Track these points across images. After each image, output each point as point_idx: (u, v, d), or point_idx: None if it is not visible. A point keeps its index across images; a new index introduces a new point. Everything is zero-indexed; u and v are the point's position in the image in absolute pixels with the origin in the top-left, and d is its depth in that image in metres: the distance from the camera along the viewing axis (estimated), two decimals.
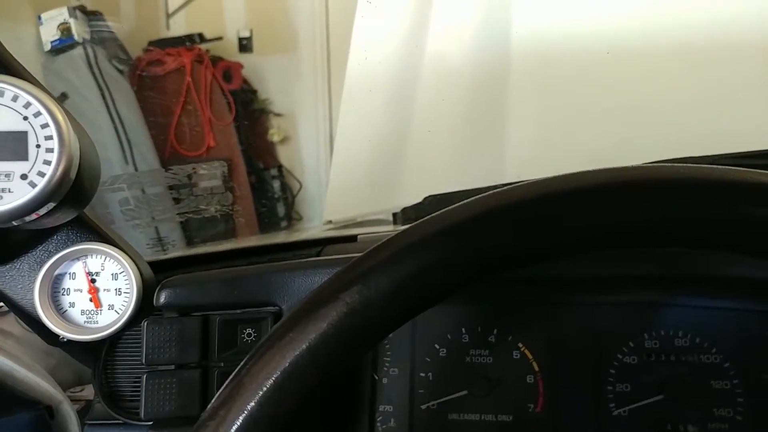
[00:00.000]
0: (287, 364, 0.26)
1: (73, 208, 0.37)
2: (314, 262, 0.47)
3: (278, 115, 3.13)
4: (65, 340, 0.50)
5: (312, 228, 2.99)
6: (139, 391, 0.60)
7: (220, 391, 0.27)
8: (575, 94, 1.21)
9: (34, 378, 0.63)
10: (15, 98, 0.33)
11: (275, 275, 0.45)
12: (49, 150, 0.33)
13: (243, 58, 2.97)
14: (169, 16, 3.05)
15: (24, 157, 0.33)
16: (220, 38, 2.85)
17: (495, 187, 0.80)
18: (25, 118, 0.33)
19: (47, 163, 0.33)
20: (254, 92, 3.04)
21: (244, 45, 3.06)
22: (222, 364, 0.45)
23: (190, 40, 2.64)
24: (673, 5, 1.16)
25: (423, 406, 0.54)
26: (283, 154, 3.20)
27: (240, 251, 0.70)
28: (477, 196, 0.27)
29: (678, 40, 1.13)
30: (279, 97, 3.14)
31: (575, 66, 1.20)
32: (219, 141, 2.70)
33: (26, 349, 0.68)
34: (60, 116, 0.33)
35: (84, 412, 0.70)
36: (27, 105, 0.33)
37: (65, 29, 2.18)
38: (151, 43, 2.67)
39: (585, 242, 0.25)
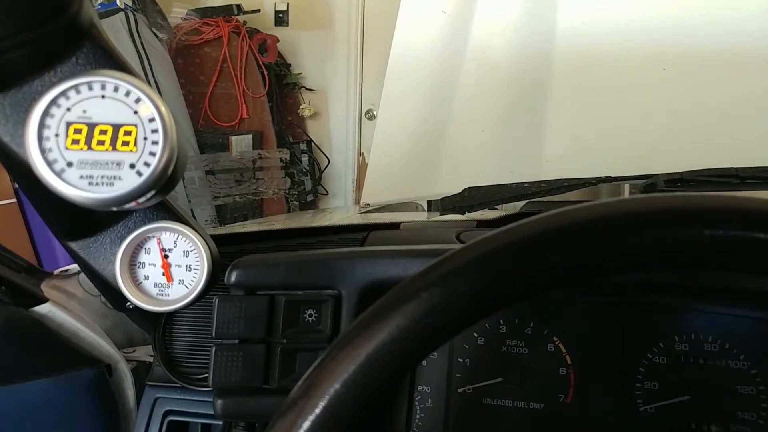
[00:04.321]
0: (372, 351, 0.29)
1: (163, 194, 0.41)
2: (374, 252, 0.50)
3: (310, 90, 3.16)
4: (131, 306, 0.53)
5: (341, 207, 3.02)
6: (194, 358, 0.65)
7: (308, 372, 0.31)
8: (615, 95, 1.22)
9: (96, 338, 0.69)
10: (127, 94, 0.36)
11: (338, 262, 0.49)
12: (155, 142, 0.36)
13: (278, 32, 2.99)
14: None
15: (133, 148, 0.36)
16: (257, 10, 2.86)
17: (533, 183, 0.82)
18: (135, 112, 0.36)
19: (152, 154, 0.36)
20: (288, 66, 3.06)
21: (281, 18, 3.07)
22: (285, 341, 0.49)
23: (228, 11, 2.66)
24: (719, 11, 1.16)
25: (459, 390, 0.57)
26: (313, 129, 3.23)
27: (289, 231, 0.73)
28: (559, 210, 0.30)
29: (721, 46, 1.13)
30: (312, 73, 3.15)
31: (616, 67, 1.21)
32: (252, 113, 2.73)
33: (87, 310, 0.73)
34: (165, 111, 0.37)
35: (136, 372, 0.75)
36: (137, 100, 0.36)
37: None
38: (189, 12, 2.69)
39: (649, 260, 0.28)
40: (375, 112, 3.12)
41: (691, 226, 0.28)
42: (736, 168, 0.76)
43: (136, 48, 2.29)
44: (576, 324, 0.56)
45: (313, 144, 3.22)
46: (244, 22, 2.80)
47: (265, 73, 2.79)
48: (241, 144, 2.67)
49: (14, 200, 2.01)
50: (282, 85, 3.03)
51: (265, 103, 2.80)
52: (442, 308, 0.29)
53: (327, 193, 3.28)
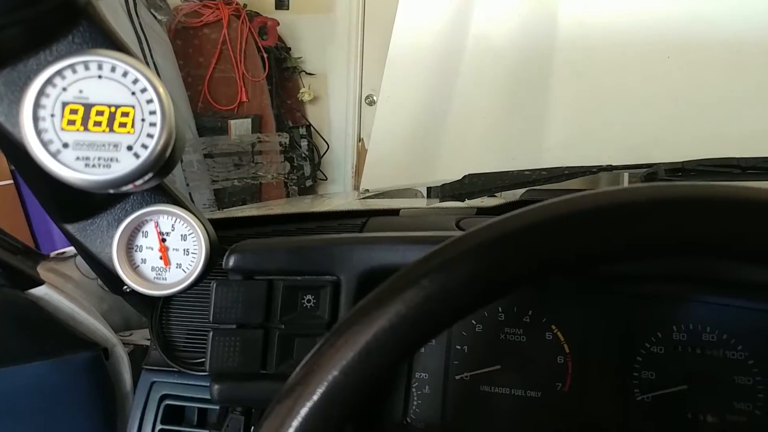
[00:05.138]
0: (371, 338, 0.29)
1: (161, 177, 0.40)
2: (373, 239, 0.50)
3: (310, 74, 3.14)
4: (128, 290, 0.53)
5: (341, 193, 3.01)
6: (191, 342, 0.65)
7: (306, 358, 0.30)
8: (616, 83, 1.21)
9: (93, 321, 0.68)
10: (125, 74, 0.35)
11: (337, 248, 0.48)
12: (152, 124, 0.36)
13: (278, 15, 2.96)
14: None
15: (130, 129, 0.36)
16: None
17: (533, 171, 0.82)
18: (133, 93, 0.36)
19: (150, 136, 0.36)
20: (288, 50, 3.04)
21: (281, 2, 3.05)
22: (283, 327, 0.49)
23: None
24: (722, 0, 1.15)
25: (457, 377, 0.57)
26: (312, 114, 3.22)
27: (288, 216, 0.73)
28: (563, 198, 0.29)
29: (724, 35, 1.12)
30: (312, 57, 3.13)
31: (618, 55, 1.20)
32: (251, 96, 2.72)
33: (84, 293, 0.72)
34: (163, 92, 0.36)
35: (133, 355, 0.75)
36: (135, 81, 0.35)
37: None
38: None
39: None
40: (375, 98, 3.10)
41: (695, 216, 0.28)
42: (737, 158, 0.75)
43: (135, 30, 2.27)
44: (575, 313, 0.56)
45: (312, 129, 3.20)
46: (244, 5, 2.77)
47: (265, 56, 2.77)
48: (240, 128, 2.65)
49: (11, 182, 2.00)
50: (282, 69, 3.01)
51: (265, 86, 2.78)
52: (441, 296, 0.29)
53: (326, 179, 3.27)
